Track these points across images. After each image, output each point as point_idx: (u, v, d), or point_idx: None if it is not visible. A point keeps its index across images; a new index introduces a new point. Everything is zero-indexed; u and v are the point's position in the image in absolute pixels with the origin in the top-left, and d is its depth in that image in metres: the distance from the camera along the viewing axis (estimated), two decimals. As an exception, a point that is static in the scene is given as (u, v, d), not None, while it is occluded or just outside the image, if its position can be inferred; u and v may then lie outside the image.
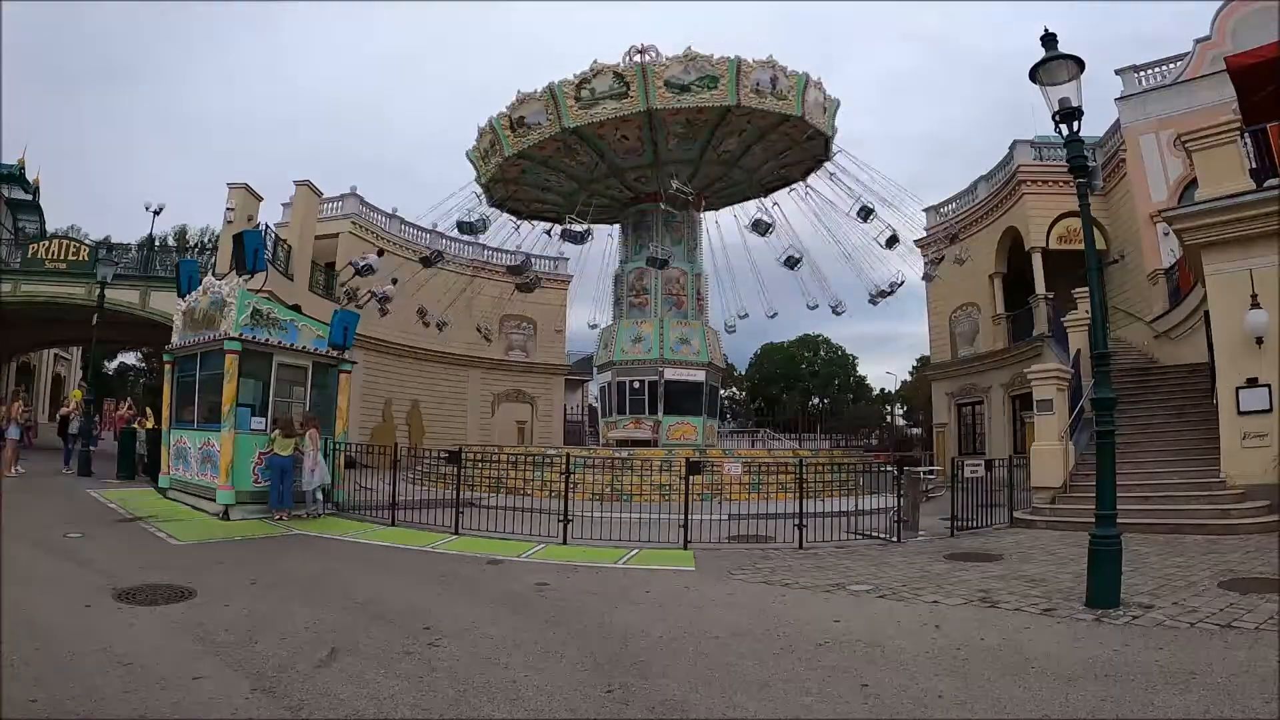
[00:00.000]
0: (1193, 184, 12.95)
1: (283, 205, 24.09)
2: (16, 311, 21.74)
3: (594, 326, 25.91)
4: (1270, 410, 10.08)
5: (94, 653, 4.51)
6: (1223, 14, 17.76)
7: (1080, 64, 6.29)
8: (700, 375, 21.94)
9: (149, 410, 16.98)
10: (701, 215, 23.84)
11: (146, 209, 26.04)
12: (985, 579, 7.31)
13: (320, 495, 11.53)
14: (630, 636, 5.31)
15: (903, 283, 22.04)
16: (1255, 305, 10.13)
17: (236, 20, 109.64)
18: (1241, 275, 10.38)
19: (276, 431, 11.31)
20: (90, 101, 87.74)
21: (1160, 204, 17.28)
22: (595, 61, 18.81)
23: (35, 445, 19.61)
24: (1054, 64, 6.34)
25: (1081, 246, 7.39)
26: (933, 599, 6.48)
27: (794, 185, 23.05)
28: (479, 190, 22.34)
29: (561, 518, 9.82)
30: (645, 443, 20.33)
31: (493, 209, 22.80)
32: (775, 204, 22.78)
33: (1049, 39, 6.43)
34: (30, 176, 30.79)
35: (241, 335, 11.50)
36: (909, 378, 54.09)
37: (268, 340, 12.00)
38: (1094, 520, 6.17)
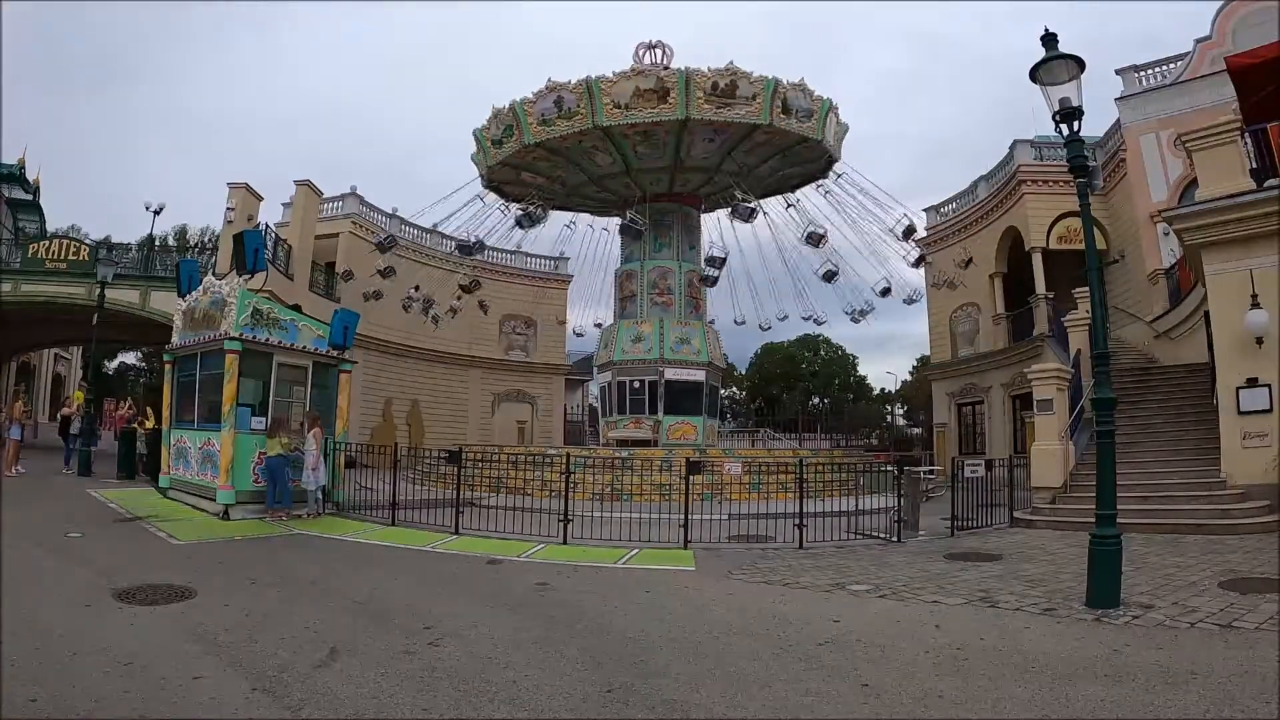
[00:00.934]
0: (1193, 184, 12.94)
1: (283, 205, 24.11)
2: (17, 311, 21.76)
3: (597, 326, 25.87)
4: (1270, 410, 10.08)
5: (94, 653, 4.51)
6: (1223, 14, 17.75)
7: (1080, 64, 6.29)
8: (700, 375, 21.94)
9: (149, 410, 16.98)
10: (701, 215, 23.86)
11: (147, 209, 26.13)
12: (985, 579, 7.31)
13: (320, 495, 11.51)
14: (630, 636, 5.31)
15: (910, 298, 22.51)
16: (1255, 305, 10.12)
17: (236, 20, 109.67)
18: (1242, 275, 10.37)
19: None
20: (90, 101, 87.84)
21: (1160, 204, 17.28)
22: (634, 64, 19.25)
23: (35, 444, 19.61)
24: (1054, 64, 6.33)
25: (1082, 246, 7.40)
26: (933, 599, 6.48)
27: (784, 194, 23.13)
28: (484, 165, 21.82)
29: (562, 518, 9.82)
30: (645, 443, 20.32)
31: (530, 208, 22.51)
32: (799, 198, 22.71)
33: (1049, 39, 6.43)
34: (30, 176, 30.84)
35: (242, 335, 11.50)
36: (909, 377, 54.07)
37: (268, 340, 12.00)
38: (1094, 520, 6.18)
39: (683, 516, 9.64)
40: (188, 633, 5.06)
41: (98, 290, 16.62)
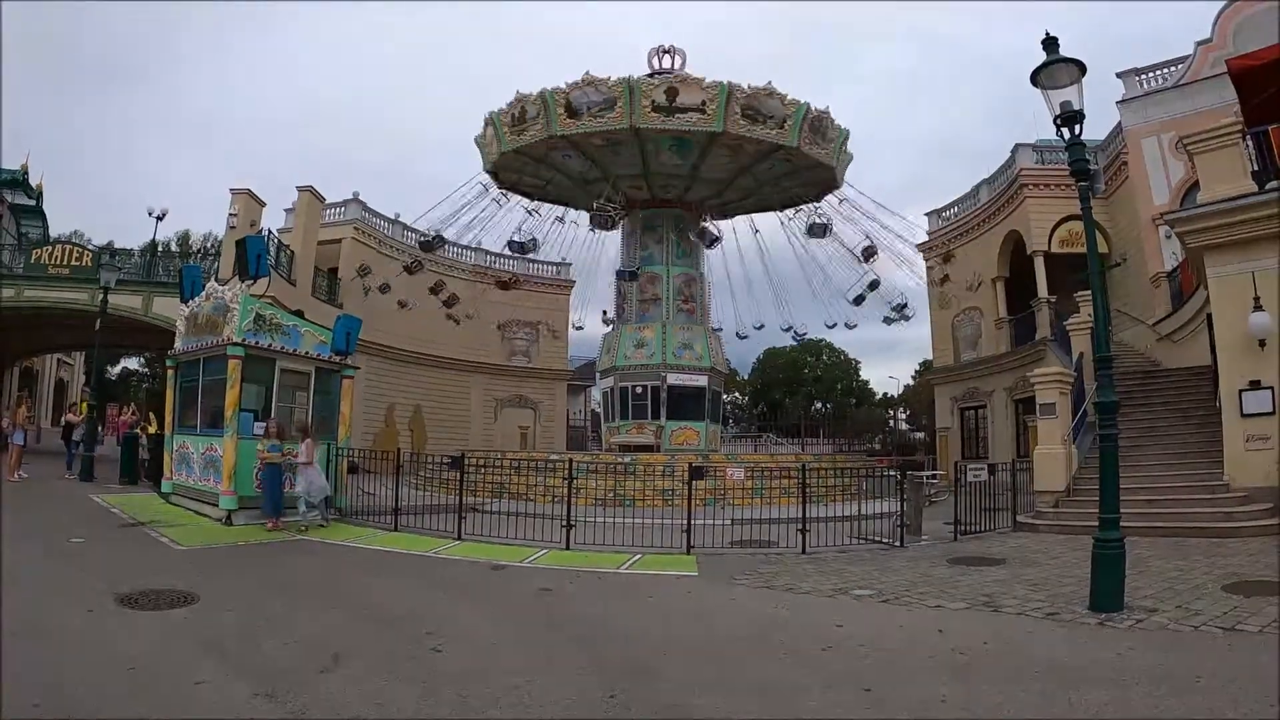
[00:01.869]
0: (1195, 187, 12.93)
1: (285, 211, 24.14)
2: (19, 316, 21.80)
3: (607, 324, 25.78)
4: (1273, 413, 10.04)
5: (96, 657, 4.52)
6: (1224, 16, 17.75)
7: (1082, 67, 6.29)
8: (703, 380, 21.93)
9: (152, 415, 17.00)
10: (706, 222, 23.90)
11: (150, 214, 26.19)
12: (988, 583, 7.29)
13: (304, 506, 10.83)
14: (633, 641, 5.30)
15: (910, 312, 23.23)
16: (1258, 308, 10.10)
17: (237, 20, 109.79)
18: (1244, 278, 10.35)
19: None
20: (91, 103, 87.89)
21: (1162, 207, 17.25)
22: (653, 67, 19.68)
23: (38, 449, 19.65)
24: (1055, 67, 6.34)
25: (1084, 250, 7.38)
26: (936, 603, 6.46)
27: (802, 206, 23.28)
28: (494, 150, 21.36)
29: (564, 523, 9.81)
30: (648, 448, 20.30)
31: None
32: (819, 208, 22.98)
33: (1050, 42, 6.44)
34: (33, 181, 30.93)
35: (244, 340, 11.51)
36: (911, 382, 53.97)
37: (270, 345, 12.02)
38: (1097, 524, 6.16)
39: (685, 522, 9.62)
40: (190, 637, 5.06)
41: (100, 296, 16.64)
